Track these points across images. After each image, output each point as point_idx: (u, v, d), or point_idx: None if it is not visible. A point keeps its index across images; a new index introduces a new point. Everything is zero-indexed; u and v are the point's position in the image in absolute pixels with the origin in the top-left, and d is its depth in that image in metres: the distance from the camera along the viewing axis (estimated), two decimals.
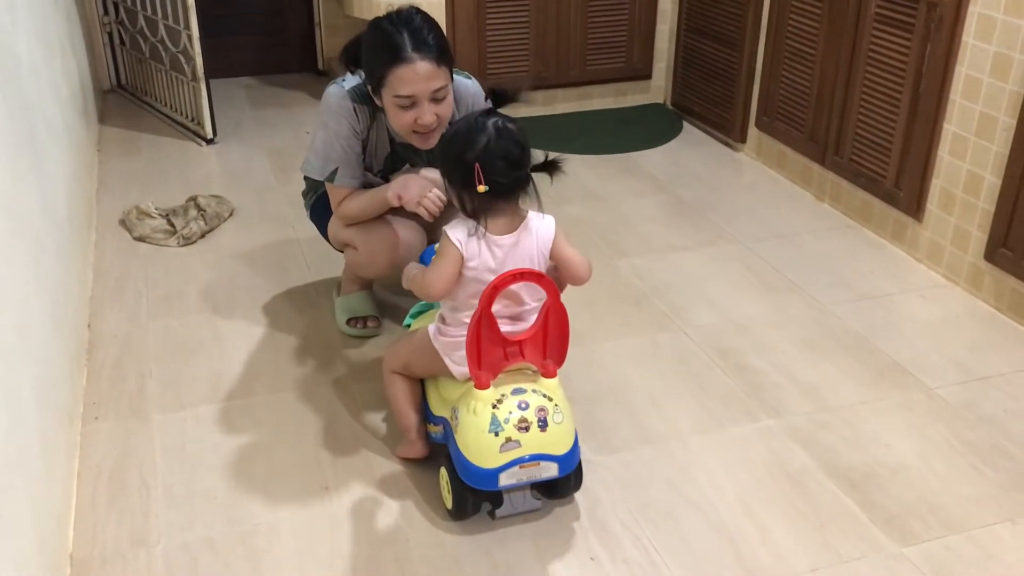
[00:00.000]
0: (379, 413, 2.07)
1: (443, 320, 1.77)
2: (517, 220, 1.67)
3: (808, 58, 3.07)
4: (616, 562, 1.70)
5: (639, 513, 1.80)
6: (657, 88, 4.01)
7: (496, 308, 1.65)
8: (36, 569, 1.44)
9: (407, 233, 2.15)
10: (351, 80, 2.08)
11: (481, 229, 1.64)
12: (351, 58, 2.07)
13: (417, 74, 1.91)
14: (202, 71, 3.42)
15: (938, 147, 2.62)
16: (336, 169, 2.11)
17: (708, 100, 3.68)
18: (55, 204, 2.21)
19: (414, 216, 2.11)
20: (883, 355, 2.32)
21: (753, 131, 3.46)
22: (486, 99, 1.68)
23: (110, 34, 4.00)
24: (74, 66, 3.13)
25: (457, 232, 1.65)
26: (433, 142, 2.00)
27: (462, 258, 1.65)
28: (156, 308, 2.47)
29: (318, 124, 2.13)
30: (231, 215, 2.98)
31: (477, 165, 1.59)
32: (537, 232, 1.69)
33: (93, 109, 3.59)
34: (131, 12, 3.77)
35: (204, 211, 2.89)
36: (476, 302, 1.63)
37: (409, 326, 1.98)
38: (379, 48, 1.95)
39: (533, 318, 1.70)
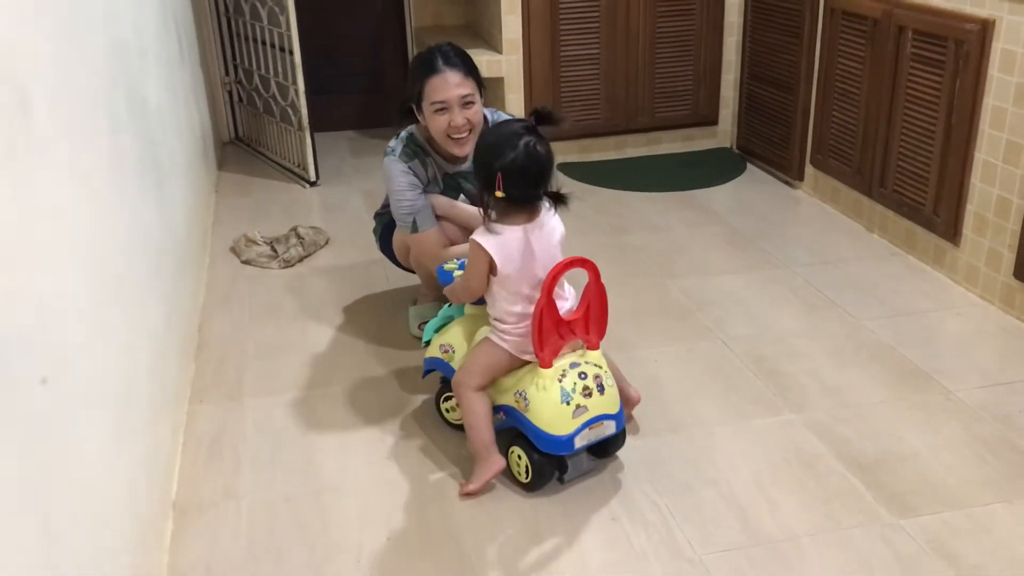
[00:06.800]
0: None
1: (501, 321, 1.99)
2: (534, 215, 1.94)
3: (854, 98, 3.28)
4: (635, 523, 1.92)
5: (659, 485, 2.03)
6: (724, 133, 4.26)
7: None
8: (146, 508, 1.76)
9: (451, 230, 2.47)
10: (397, 145, 2.43)
11: (490, 222, 1.91)
12: (401, 109, 2.44)
13: (447, 82, 2.29)
14: (307, 121, 3.86)
15: (970, 174, 2.78)
16: (415, 220, 2.41)
17: (768, 142, 3.91)
18: (173, 223, 2.61)
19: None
20: (909, 363, 2.48)
21: (809, 169, 3.67)
22: (529, 116, 1.93)
23: (230, 93, 4.51)
24: (196, 116, 3.59)
25: (483, 238, 1.91)
26: (468, 148, 2.33)
27: (490, 258, 1.91)
28: (256, 317, 2.84)
29: (388, 191, 2.49)
30: (327, 243, 3.36)
31: (499, 174, 1.85)
32: (553, 217, 1.98)
33: (213, 156, 4.07)
34: (248, 72, 4.27)
35: (303, 239, 3.27)
36: (522, 291, 1.92)
37: (428, 343, 2.23)
38: (418, 69, 2.35)
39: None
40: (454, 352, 2.14)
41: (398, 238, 2.58)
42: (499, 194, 1.86)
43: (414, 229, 2.42)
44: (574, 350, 2.01)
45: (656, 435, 2.20)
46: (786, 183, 3.84)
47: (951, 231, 2.87)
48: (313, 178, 3.98)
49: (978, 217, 2.78)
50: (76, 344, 1.38)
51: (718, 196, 3.77)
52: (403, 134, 2.46)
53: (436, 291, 2.72)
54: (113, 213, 1.80)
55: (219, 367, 2.56)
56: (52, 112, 1.40)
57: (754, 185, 3.89)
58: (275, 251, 3.22)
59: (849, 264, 3.10)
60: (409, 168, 2.41)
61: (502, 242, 1.91)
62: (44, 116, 1.34)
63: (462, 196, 2.51)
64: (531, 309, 1.93)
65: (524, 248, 1.92)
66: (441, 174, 2.48)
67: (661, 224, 3.47)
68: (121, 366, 1.71)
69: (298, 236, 3.30)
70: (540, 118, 1.92)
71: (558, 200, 1.93)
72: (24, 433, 1.10)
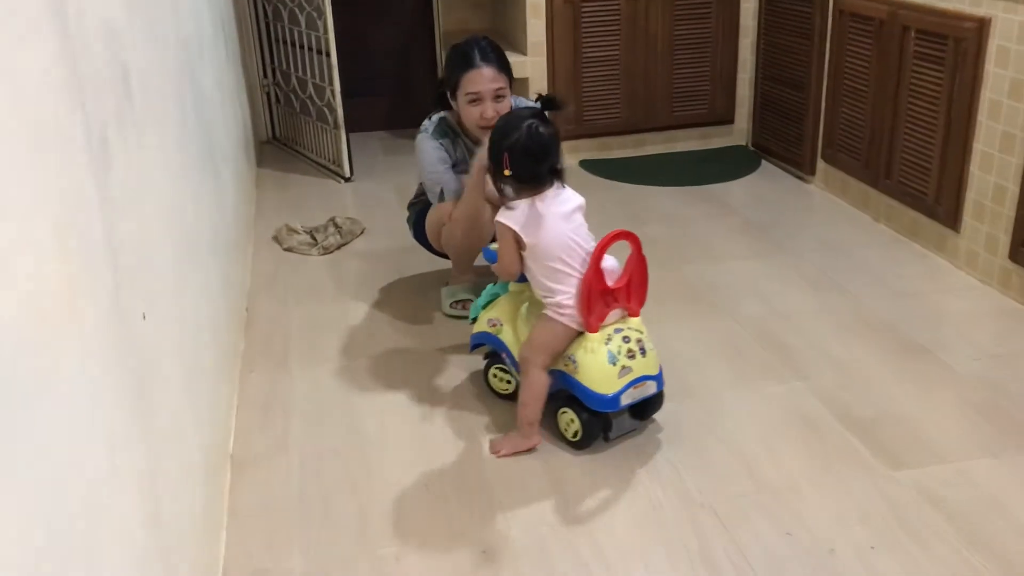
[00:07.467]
0: (473, 370, 2.56)
1: (550, 295, 2.12)
2: (542, 190, 2.09)
3: (862, 95, 3.46)
4: (650, 475, 2.11)
5: (672, 443, 2.21)
6: (740, 131, 4.44)
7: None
8: (209, 456, 1.97)
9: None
10: (430, 124, 2.67)
11: (508, 199, 2.09)
12: (436, 94, 2.69)
13: (483, 76, 2.51)
14: (342, 120, 4.08)
15: (969, 164, 2.95)
16: (441, 190, 2.66)
17: (782, 139, 4.09)
18: (226, 208, 2.83)
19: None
20: (909, 339, 2.65)
21: (820, 164, 3.85)
22: (536, 101, 2.15)
23: (268, 94, 4.75)
24: (240, 114, 3.82)
25: (504, 216, 2.11)
26: None
27: (516, 234, 2.09)
28: (299, 298, 3.06)
29: (419, 166, 2.72)
30: (362, 233, 3.57)
31: (506, 154, 2.05)
32: (567, 191, 2.13)
33: (253, 154, 4.30)
34: (285, 74, 4.51)
35: (340, 228, 3.49)
36: (559, 255, 2.07)
37: (476, 319, 2.40)
38: (455, 60, 2.57)
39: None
40: (502, 325, 2.32)
41: (431, 220, 2.79)
42: (507, 172, 2.06)
43: (442, 198, 2.63)
44: (617, 319, 2.18)
45: (670, 400, 2.37)
46: (799, 178, 4.02)
47: (952, 218, 3.04)
48: (348, 174, 4.20)
49: (977, 204, 2.95)
50: (162, 292, 1.60)
51: (733, 190, 3.95)
52: (435, 117, 2.68)
53: (467, 272, 2.92)
54: (182, 188, 2.02)
55: (267, 341, 2.77)
56: (141, 92, 1.61)
57: (768, 180, 4.07)
58: (315, 239, 3.44)
59: (856, 251, 3.27)
60: (440, 145, 2.63)
61: (519, 214, 2.10)
62: (137, 94, 1.55)
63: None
64: (566, 270, 2.08)
65: (537, 216, 2.08)
66: (469, 155, 2.69)
67: (678, 216, 3.66)
68: (190, 325, 1.92)
69: (336, 226, 3.51)
70: (545, 103, 2.14)
71: (556, 175, 2.10)
72: (133, 357, 1.30)
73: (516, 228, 2.10)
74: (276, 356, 2.69)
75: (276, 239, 3.51)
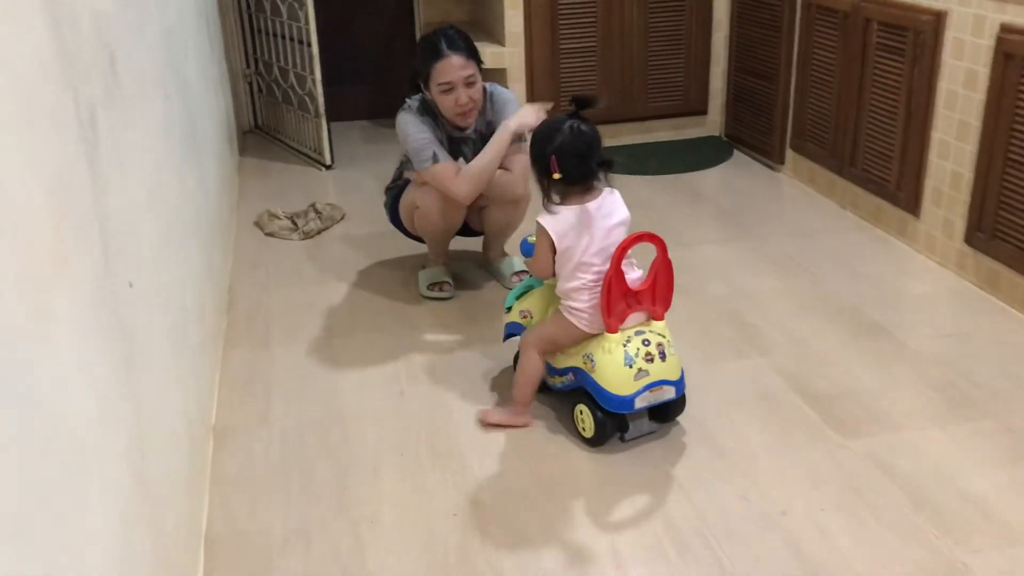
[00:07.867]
0: (448, 351, 2.66)
1: (567, 298, 2.14)
2: (590, 193, 2.11)
3: (828, 86, 3.57)
4: (616, 443, 2.21)
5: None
6: (713, 122, 4.55)
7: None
8: (192, 428, 2.05)
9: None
10: (413, 103, 2.75)
11: (553, 204, 2.08)
12: (411, 83, 2.77)
13: (452, 65, 2.60)
14: (323, 108, 4.16)
15: (928, 151, 3.07)
16: (434, 152, 2.68)
17: (754, 129, 4.20)
18: (208, 191, 2.91)
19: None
20: (868, 318, 2.76)
21: (789, 153, 3.95)
22: (569, 103, 2.14)
23: (250, 84, 4.82)
24: (223, 104, 3.90)
25: (544, 219, 2.11)
26: (471, 120, 2.65)
27: (552, 239, 2.09)
28: (280, 280, 3.14)
29: (404, 138, 2.75)
30: (343, 218, 3.65)
31: (553, 157, 2.06)
32: (615, 201, 2.15)
33: (236, 143, 4.37)
34: (267, 64, 4.58)
35: (321, 213, 3.57)
36: (576, 269, 2.09)
37: (510, 308, 2.42)
38: (425, 52, 2.65)
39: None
40: (532, 318, 2.36)
41: (405, 199, 2.87)
42: (556, 176, 2.05)
43: (435, 160, 2.67)
44: (639, 322, 2.19)
45: None
46: (769, 167, 4.13)
47: (912, 204, 3.16)
48: (329, 162, 4.28)
49: (935, 191, 3.06)
50: (147, 266, 1.68)
51: (706, 179, 4.06)
52: (416, 97, 2.75)
53: (442, 256, 3.01)
54: (166, 170, 2.10)
55: (249, 321, 2.86)
56: (127, 77, 1.69)
57: (740, 169, 4.18)
58: (295, 224, 3.52)
59: (822, 237, 3.38)
60: (425, 120, 2.70)
61: (558, 220, 2.09)
62: (123, 79, 1.63)
63: (461, 160, 2.80)
64: (577, 284, 2.10)
65: (579, 226, 2.09)
66: (446, 137, 2.77)
67: (652, 203, 3.76)
68: (175, 300, 2.01)
69: (316, 211, 3.60)
70: (580, 103, 2.13)
71: (606, 167, 2.10)
72: (122, 321, 1.39)
73: (552, 233, 2.09)
74: (257, 336, 2.78)
75: (258, 224, 3.59)
